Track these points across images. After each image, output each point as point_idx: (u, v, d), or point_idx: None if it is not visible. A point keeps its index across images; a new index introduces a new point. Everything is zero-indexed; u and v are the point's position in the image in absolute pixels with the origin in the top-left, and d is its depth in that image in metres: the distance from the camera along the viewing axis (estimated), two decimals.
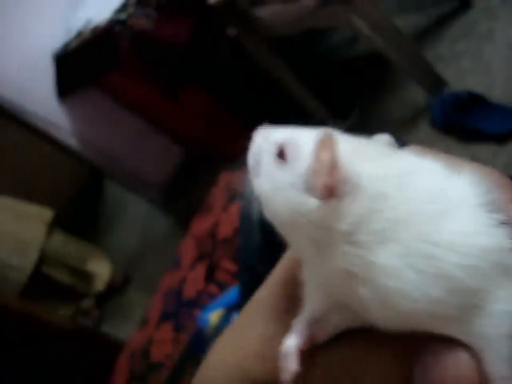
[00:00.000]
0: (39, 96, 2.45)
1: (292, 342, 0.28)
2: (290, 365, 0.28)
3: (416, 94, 1.72)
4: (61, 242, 2.57)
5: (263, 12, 1.73)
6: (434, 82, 1.63)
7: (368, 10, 1.48)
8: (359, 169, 0.27)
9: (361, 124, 1.84)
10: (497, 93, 1.53)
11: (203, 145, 2.39)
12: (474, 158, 1.46)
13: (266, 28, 1.75)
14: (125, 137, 2.58)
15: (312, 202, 0.27)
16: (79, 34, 2.14)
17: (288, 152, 0.29)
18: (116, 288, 2.67)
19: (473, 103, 1.53)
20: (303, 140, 0.29)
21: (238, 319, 0.36)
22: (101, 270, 2.65)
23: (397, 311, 0.25)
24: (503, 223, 0.26)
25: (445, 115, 1.55)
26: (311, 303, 0.29)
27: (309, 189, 0.27)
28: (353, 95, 1.96)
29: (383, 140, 0.32)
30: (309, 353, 0.28)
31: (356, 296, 0.26)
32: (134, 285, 2.66)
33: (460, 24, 1.77)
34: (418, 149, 0.32)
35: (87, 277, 2.63)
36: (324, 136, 0.27)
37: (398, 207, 0.26)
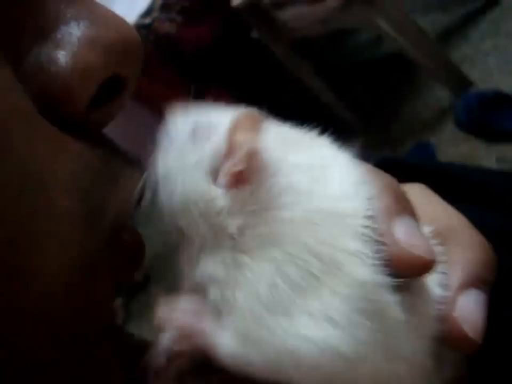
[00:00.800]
0: None
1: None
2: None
3: (441, 95, 1.70)
4: None
5: (287, 14, 1.73)
6: (460, 83, 1.61)
7: (391, 11, 1.47)
8: (281, 157, 0.24)
9: (386, 125, 1.83)
10: None
11: None
12: (501, 159, 1.44)
13: (290, 30, 1.76)
14: (150, 139, 2.60)
15: (211, 192, 0.24)
16: None
17: (202, 131, 0.26)
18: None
19: (500, 102, 1.50)
20: (219, 118, 0.26)
21: None
22: None
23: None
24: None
25: (470, 115, 1.53)
26: None
27: (214, 174, 0.24)
28: (378, 96, 1.95)
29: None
30: None
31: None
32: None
33: (486, 23, 1.74)
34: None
35: None
36: (244, 114, 0.24)
37: (301, 206, 0.23)
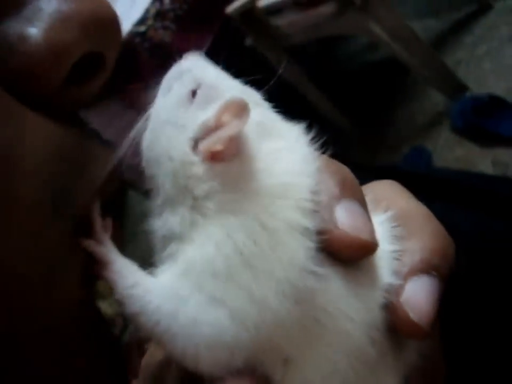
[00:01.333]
0: None
1: None
2: None
3: (436, 99, 1.70)
4: None
5: (281, 21, 1.74)
6: (455, 87, 1.62)
7: (385, 17, 1.47)
8: (256, 143, 0.26)
9: (381, 130, 1.83)
10: None
11: None
12: (496, 162, 1.44)
13: (284, 36, 1.76)
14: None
15: (189, 157, 0.26)
16: None
17: (199, 96, 0.27)
18: None
19: (494, 106, 1.51)
20: (221, 91, 0.28)
21: None
22: None
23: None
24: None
25: (465, 119, 1.54)
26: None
27: (196, 142, 0.26)
28: (373, 102, 1.95)
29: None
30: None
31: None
32: None
33: (479, 27, 1.75)
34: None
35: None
36: (238, 101, 0.25)
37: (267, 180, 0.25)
